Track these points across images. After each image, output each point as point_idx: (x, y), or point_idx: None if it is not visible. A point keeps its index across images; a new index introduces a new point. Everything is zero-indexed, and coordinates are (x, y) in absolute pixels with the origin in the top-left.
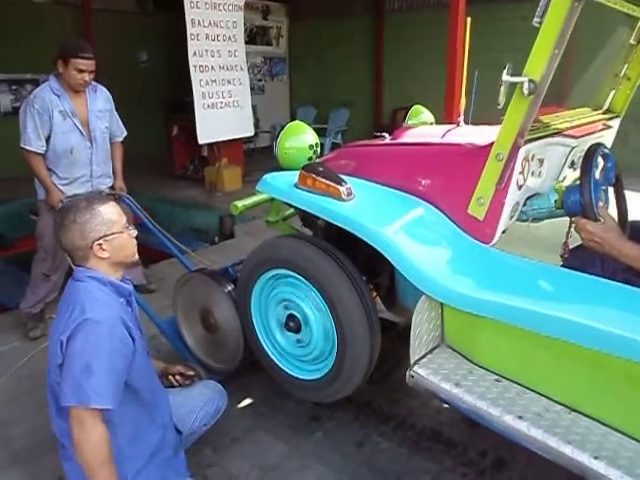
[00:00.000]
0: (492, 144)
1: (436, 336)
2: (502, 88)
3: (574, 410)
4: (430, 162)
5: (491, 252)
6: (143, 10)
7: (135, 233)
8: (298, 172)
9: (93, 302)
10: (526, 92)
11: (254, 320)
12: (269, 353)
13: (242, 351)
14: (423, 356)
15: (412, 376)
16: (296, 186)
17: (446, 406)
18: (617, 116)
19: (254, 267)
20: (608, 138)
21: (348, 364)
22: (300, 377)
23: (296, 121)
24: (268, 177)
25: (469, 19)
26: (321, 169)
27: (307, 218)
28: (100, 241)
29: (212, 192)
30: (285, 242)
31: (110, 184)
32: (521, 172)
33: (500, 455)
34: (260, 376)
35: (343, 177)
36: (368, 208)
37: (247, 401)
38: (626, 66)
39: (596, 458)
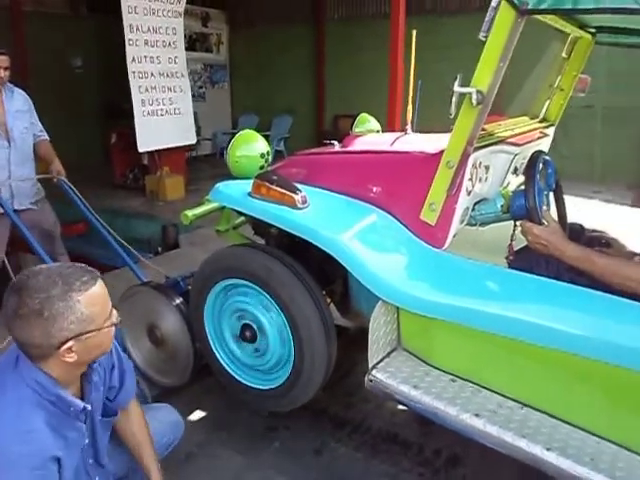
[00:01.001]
0: (442, 152)
1: (392, 340)
2: (453, 98)
3: (526, 405)
4: (382, 170)
5: (443, 256)
6: (76, 13)
7: (118, 320)
8: (251, 181)
9: (14, 429)
10: (475, 102)
11: (208, 332)
12: (224, 365)
13: (192, 365)
14: (381, 360)
15: (371, 380)
16: (250, 195)
17: (400, 408)
18: (552, 124)
19: (207, 278)
20: (545, 145)
21: (306, 371)
22: (258, 387)
23: (247, 130)
24: (221, 186)
25: (414, 31)
26: (275, 177)
27: (259, 226)
28: (71, 342)
29: (154, 201)
30: (239, 251)
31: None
32: (470, 179)
33: (454, 452)
34: (212, 388)
35: (297, 185)
36: (323, 216)
37: (199, 414)
38: (559, 78)
39: (548, 449)
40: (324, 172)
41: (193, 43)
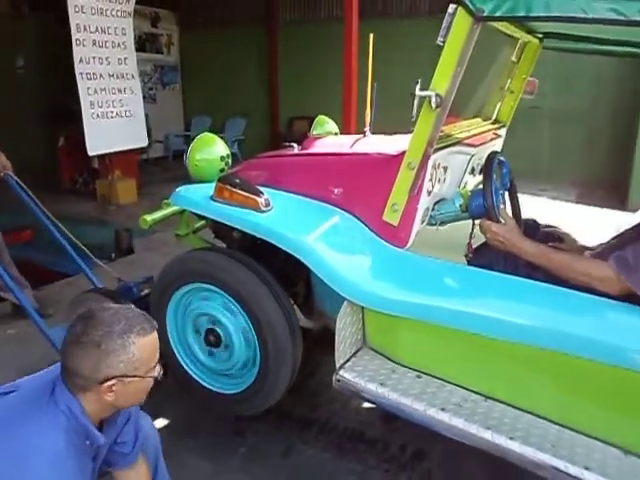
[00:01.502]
0: (403, 153)
1: (358, 339)
2: (415, 101)
3: (489, 397)
4: (344, 171)
5: (406, 255)
6: (18, 12)
7: (160, 373)
8: (212, 184)
9: (48, 453)
10: (434, 105)
11: (171, 338)
12: (188, 371)
13: None
14: (347, 360)
15: (338, 380)
16: (212, 198)
17: (365, 406)
18: (503, 125)
19: (168, 283)
20: (498, 146)
21: (272, 373)
22: (223, 392)
23: (206, 133)
24: (182, 190)
25: (372, 35)
26: (237, 181)
27: (220, 230)
28: (114, 381)
29: (105, 206)
30: (202, 256)
31: None
32: (430, 179)
33: (419, 447)
34: (173, 395)
35: (260, 188)
36: (286, 218)
37: (163, 422)
38: (510, 81)
39: (511, 439)
40: (286, 174)
41: (143, 44)
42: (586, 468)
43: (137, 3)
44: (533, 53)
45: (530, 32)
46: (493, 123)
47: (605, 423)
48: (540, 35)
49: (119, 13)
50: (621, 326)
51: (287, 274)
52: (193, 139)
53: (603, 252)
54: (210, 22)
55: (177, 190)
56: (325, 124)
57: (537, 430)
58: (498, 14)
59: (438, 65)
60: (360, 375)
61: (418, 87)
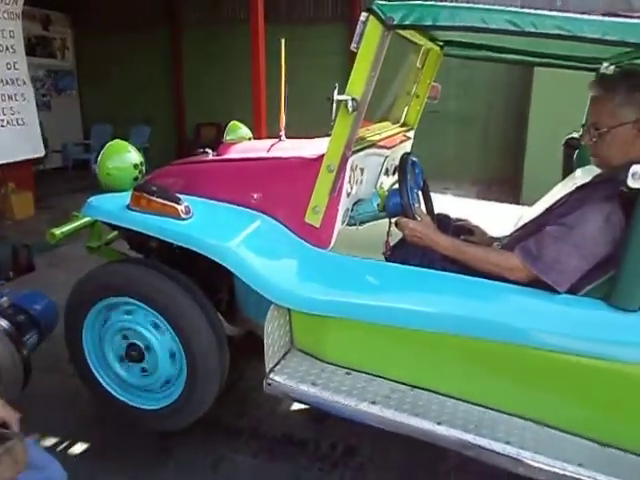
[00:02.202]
0: (322, 156)
1: (287, 342)
2: (333, 105)
3: (415, 387)
4: (264, 176)
5: (329, 256)
6: None
7: None
8: (126, 193)
9: None
10: (350, 109)
11: (88, 356)
12: (109, 389)
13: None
14: (277, 363)
15: (269, 384)
16: (128, 207)
17: (293, 409)
18: (411, 128)
19: (84, 299)
20: (408, 147)
21: (200, 385)
22: (147, 408)
23: (117, 140)
24: (93, 200)
25: (283, 40)
26: (155, 188)
27: (135, 241)
28: None
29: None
30: (118, 268)
31: None
32: (349, 181)
33: (349, 444)
34: (92, 416)
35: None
36: (208, 225)
37: (82, 446)
38: (415, 86)
39: (439, 423)
40: (203, 181)
41: (33, 48)
42: (507, 443)
43: (25, 4)
44: (436, 60)
45: (433, 40)
46: (402, 126)
47: (520, 400)
48: (441, 43)
49: (6, 15)
50: (525, 309)
51: (209, 282)
52: (95, 148)
53: (510, 243)
54: (108, 24)
55: (89, 200)
56: (238, 129)
57: (461, 413)
58: (407, 22)
59: (353, 70)
60: (291, 377)
61: (336, 92)
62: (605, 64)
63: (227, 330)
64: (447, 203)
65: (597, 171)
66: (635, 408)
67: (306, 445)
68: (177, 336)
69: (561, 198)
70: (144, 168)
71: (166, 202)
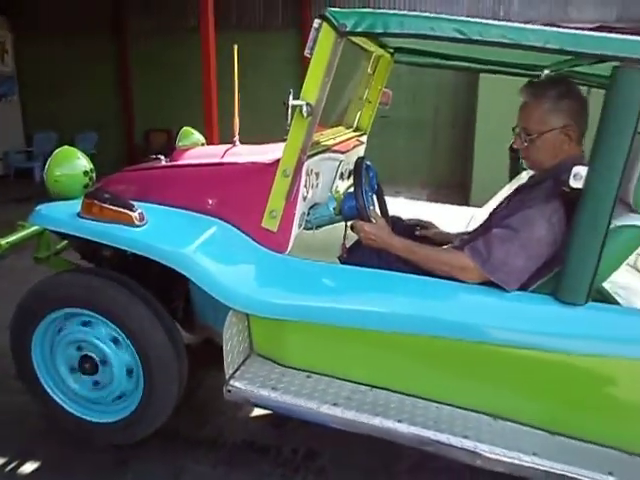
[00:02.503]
0: (278, 161)
1: (246, 347)
2: (289, 111)
3: (374, 387)
4: (220, 181)
5: (287, 260)
6: None
7: None
8: (77, 201)
9: None
10: (305, 114)
11: (38, 371)
12: (61, 403)
13: None
14: (237, 369)
15: (229, 390)
16: (79, 215)
17: (253, 415)
18: (364, 133)
19: (33, 311)
20: (362, 152)
21: (157, 395)
22: (103, 421)
23: (66, 146)
24: (42, 208)
25: (236, 46)
26: (107, 196)
27: (87, 250)
28: None
29: None
30: (70, 278)
31: None
32: (305, 185)
33: (311, 447)
34: (42, 432)
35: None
36: (163, 231)
37: (32, 465)
38: (367, 91)
39: (399, 421)
40: (157, 187)
41: None
42: (465, 437)
43: None
44: (386, 66)
45: (383, 47)
46: (355, 131)
47: (474, 395)
48: (392, 50)
49: None
50: (477, 306)
51: (163, 290)
52: (38, 156)
53: (461, 244)
54: (51, 28)
55: (37, 209)
56: (191, 135)
57: (420, 410)
58: (359, 30)
59: (307, 76)
60: (251, 382)
61: (291, 97)
62: (546, 71)
63: (184, 338)
64: (400, 206)
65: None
66: (581, 397)
67: (267, 451)
68: (134, 346)
69: (503, 201)
70: (94, 175)
71: (120, 209)
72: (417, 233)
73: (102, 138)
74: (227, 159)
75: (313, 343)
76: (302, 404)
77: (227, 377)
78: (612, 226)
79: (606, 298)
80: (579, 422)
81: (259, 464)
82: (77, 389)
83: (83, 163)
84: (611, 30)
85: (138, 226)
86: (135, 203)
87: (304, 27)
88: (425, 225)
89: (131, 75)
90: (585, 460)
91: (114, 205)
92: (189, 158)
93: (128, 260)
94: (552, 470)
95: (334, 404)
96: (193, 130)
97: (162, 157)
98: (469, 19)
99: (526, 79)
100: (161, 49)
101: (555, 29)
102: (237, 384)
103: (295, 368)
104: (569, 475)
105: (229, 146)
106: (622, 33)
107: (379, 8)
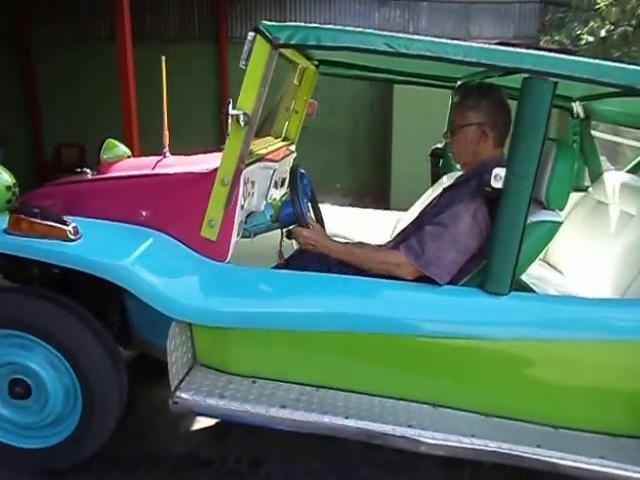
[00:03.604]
0: (215, 171)
1: (189, 358)
2: (229, 120)
3: (320, 387)
4: (155, 192)
5: (228, 268)
6: None
7: None
8: (3, 217)
9: None
10: (242, 123)
11: None
12: None
13: None
14: (182, 380)
15: (176, 402)
16: (5, 232)
17: (194, 428)
18: (292, 142)
19: None
20: (292, 160)
21: (97, 416)
22: (36, 447)
23: None
24: None
25: (164, 57)
26: (37, 210)
27: (11, 268)
28: None
29: None
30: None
31: None
32: (242, 194)
33: (255, 455)
34: None
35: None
36: (100, 245)
37: None
38: (294, 102)
39: (347, 417)
40: (88, 201)
41: None
42: (409, 426)
43: None
44: (312, 77)
45: (309, 59)
46: (283, 140)
47: (413, 386)
48: (317, 62)
49: None
50: (412, 302)
51: (98, 306)
52: None
53: (396, 244)
54: None
55: None
56: (115, 148)
57: (365, 405)
58: (293, 42)
59: (243, 86)
60: (197, 392)
61: (230, 106)
62: (459, 82)
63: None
64: (329, 212)
65: (459, 174)
66: (508, 379)
67: (211, 463)
68: (69, 365)
69: (433, 200)
70: (18, 190)
71: (52, 224)
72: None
73: (8, 154)
74: (160, 170)
75: (257, 349)
76: (250, 410)
77: (173, 388)
78: (528, 222)
79: (524, 288)
80: (509, 403)
81: (204, 477)
82: (8, 415)
83: (5, 178)
84: (511, 46)
85: (73, 240)
86: (68, 217)
87: (221, 38)
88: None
89: (38, 88)
90: (517, 436)
91: (46, 220)
92: (118, 170)
93: (57, 277)
94: (488, 449)
95: (282, 406)
96: (117, 142)
97: (88, 170)
98: (396, 34)
99: (442, 90)
100: (72, 61)
101: (474, 44)
102: (183, 395)
103: (240, 375)
104: (503, 451)
105: (159, 157)
106: (519, 48)
107: (297, 21)
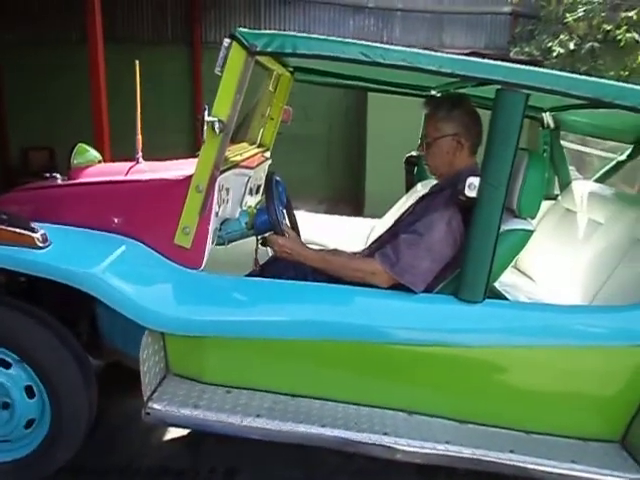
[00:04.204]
0: (189, 177)
1: (162, 368)
2: (204, 127)
3: (295, 395)
4: (128, 199)
5: (202, 276)
6: None
7: None
8: None
9: None
10: (217, 130)
11: None
12: None
13: None
14: (154, 390)
15: (148, 413)
16: None
17: (166, 439)
18: (268, 149)
19: None
20: (267, 167)
21: (67, 427)
22: (3, 460)
23: None
24: None
25: (137, 61)
26: (4, 216)
27: None
28: None
29: None
30: None
31: None
32: (217, 201)
33: (228, 466)
34: None
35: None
36: (69, 252)
37: None
38: (269, 108)
39: (323, 426)
40: (59, 207)
41: None
42: (385, 434)
43: None
44: (287, 84)
45: (284, 66)
46: (259, 147)
47: (389, 393)
48: (291, 69)
49: None
50: (387, 309)
51: (66, 314)
52: None
53: (371, 252)
54: None
55: None
56: (86, 152)
57: (340, 413)
58: (269, 50)
59: (218, 93)
60: (170, 402)
61: (206, 113)
62: (433, 92)
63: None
64: (304, 219)
65: (434, 183)
66: (482, 386)
67: (184, 475)
68: (37, 375)
69: (408, 208)
70: None
71: (19, 230)
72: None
73: None
74: (133, 176)
75: (230, 358)
76: (225, 419)
77: (145, 399)
78: (501, 230)
79: (497, 295)
80: (483, 409)
81: None
82: None
83: None
84: (483, 56)
85: (41, 248)
86: (36, 224)
87: (195, 43)
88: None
89: (3, 90)
90: (490, 442)
91: (13, 226)
92: (90, 176)
93: (24, 285)
94: (463, 455)
95: (257, 416)
96: (88, 147)
97: (58, 175)
98: (372, 43)
99: (415, 98)
100: (41, 62)
101: (448, 55)
102: (156, 406)
103: (214, 384)
104: (477, 457)
105: (132, 163)
106: (490, 58)
107: (271, 28)
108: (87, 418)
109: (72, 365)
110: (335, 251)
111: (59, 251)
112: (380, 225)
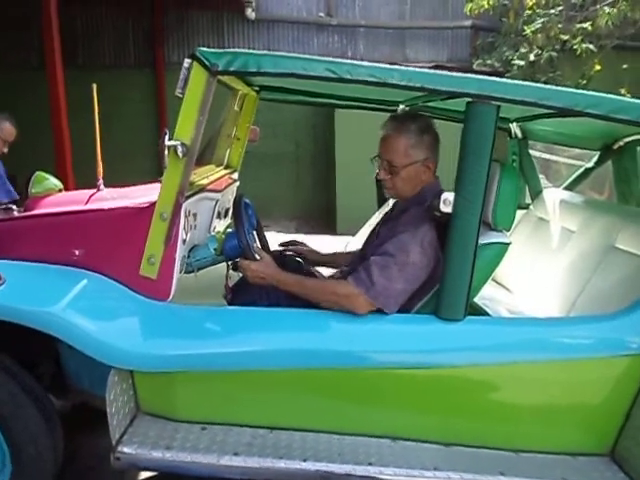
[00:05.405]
0: (153, 205)
1: (132, 407)
2: (165, 152)
3: (274, 428)
4: (88, 229)
5: (171, 308)
6: None
7: None
8: None
9: None
10: (181, 154)
11: None
12: None
13: None
14: (124, 432)
15: (118, 458)
16: None
17: (141, 478)
18: (235, 170)
19: None
20: (235, 189)
21: (29, 473)
22: None
23: None
24: None
25: (94, 85)
26: None
27: None
28: None
29: None
30: None
31: None
32: (183, 227)
33: None
34: None
35: None
36: (25, 290)
37: None
38: (235, 128)
39: (305, 460)
40: (13, 241)
41: None
42: (369, 464)
43: None
44: (252, 103)
45: (249, 85)
46: (225, 168)
47: (371, 420)
48: (257, 88)
49: None
50: (364, 333)
51: (27, 356)
52: None
53: (343, 275)
54: None
55: None
56: (45, 181)
57: (322, 445)
58: (232, 69)
59: (180, 115)
60: (142, 445)
61: (167, 137)
62: (401, 106)
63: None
64: (276, 239)
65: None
66: (467, 406)
67: None
68: None
69: (374, 229)
70: None
71: None
72: (292, 248)
73: None
74: (93, 205)
75: (205, 392)
76: (201, 460)
77: (114, 443)
78: (478, 244)
79: (477, 310)
80: (469, 430)
81: None
82: None
83: None
84: (447, 69)
85: None
86: None
87: (158, 65)
88: (299, 243)
89: None
90: (479, 465)
91: None
92: (48, 206)
93: None
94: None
95: (235, 454)
96: (47, 175)
97: (14, 207)
98: (338, 60)
99: (382, 113)
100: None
101: (417, 69)
102: (126, 449)
103: (188, 422)
104: None
105: (93, 191)
106: (453, 71)
107: (235, 47)
108: (52, 462)
109: (32, 410)
110: (309, 273)
111: (14, 289)
112: (354, 242)
